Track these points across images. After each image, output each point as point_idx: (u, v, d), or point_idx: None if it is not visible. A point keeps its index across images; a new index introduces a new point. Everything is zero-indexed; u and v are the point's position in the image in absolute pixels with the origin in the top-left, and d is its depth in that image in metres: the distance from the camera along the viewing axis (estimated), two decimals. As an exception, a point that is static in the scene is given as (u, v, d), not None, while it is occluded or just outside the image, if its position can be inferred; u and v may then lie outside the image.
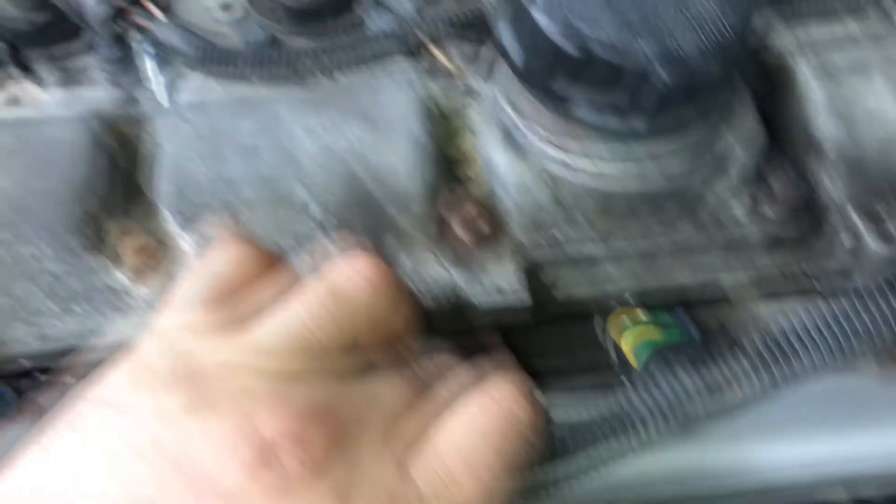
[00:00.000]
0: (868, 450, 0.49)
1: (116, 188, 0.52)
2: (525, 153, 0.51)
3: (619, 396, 0.44)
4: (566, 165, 0.50)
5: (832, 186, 0.55)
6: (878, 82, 0.55)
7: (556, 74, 0.45)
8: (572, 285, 0.55)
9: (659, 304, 0.57)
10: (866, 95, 0.54)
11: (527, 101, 0.50)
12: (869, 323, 0.43)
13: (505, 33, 0.48)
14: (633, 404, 0.44)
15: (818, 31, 0.59)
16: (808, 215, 0.55)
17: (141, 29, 0.57)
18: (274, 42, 0.64)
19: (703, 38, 0.42)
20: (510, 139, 0.52)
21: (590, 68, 0.43)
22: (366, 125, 0.52)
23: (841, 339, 0.46)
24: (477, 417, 0.40)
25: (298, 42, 0.66)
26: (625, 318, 0.54)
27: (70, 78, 0.59)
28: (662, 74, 0.42)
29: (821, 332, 0.47)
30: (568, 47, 0.43)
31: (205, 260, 0.43)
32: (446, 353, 0.50)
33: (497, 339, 0.56)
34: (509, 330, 0.56)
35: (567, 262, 0.54)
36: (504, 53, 0.49)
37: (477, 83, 0.55)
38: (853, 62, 0.55)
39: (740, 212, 0.54)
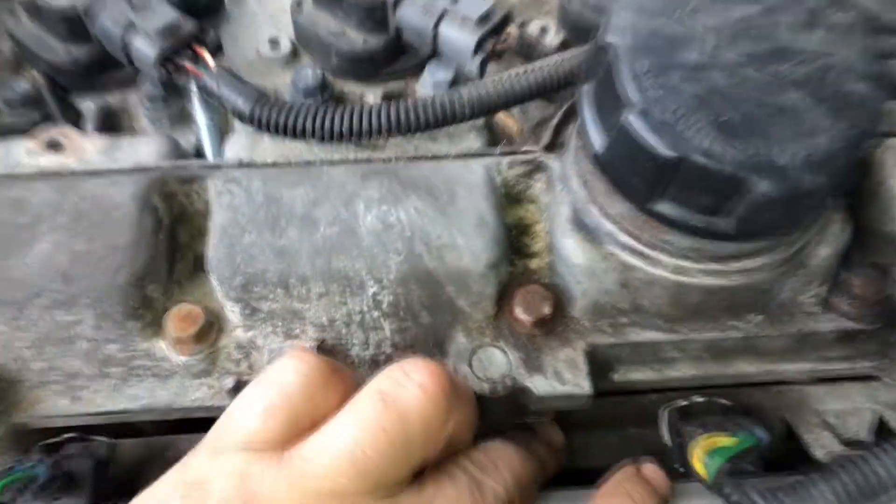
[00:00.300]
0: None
1: (162, 252, 0.50)
2: (594, 235, 0.49)
3: None
4: (639, 254, 0.47)
5: (912, 283, 0.52)
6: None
7: (640, 171, 0.42)
8: (633, 371, 0.53)
9: (721, 395, 0.55)
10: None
11: (601, 184, 0.47)
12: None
13: (589, 117, 0.45)
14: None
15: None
16: (884, 311, 0.52)
17: (192, 76, 0.54)
18: (325, 85, 0.61)
19: (811, 150, 0.39)
20: (579, 219, 0.49)
21: (680, 170, 0.41)
22: (428, 198, 0.49)
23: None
24: None
25: (348, 86, 0.63)
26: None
27: (114, 123, 0.56)
28: (760, 185, 0.39)
29: None
30: (661, 150, 0.40)
31: (269, 373, 0.41)
32: (500, 442, 0.48)
33: (558, 432, 0.54)
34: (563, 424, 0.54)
35: (632, 350, 0.52)
36: (584, 135, 0.46)
37: (546, 156, 0.52)
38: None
39: (815, 306, 0.52)
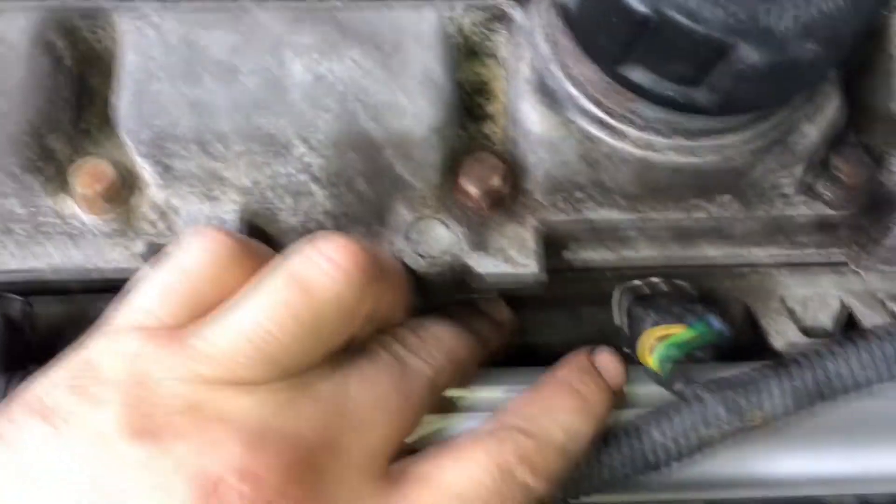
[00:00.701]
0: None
1: (64, 97, 0.43)
2: (559, 103, 0.43)
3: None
4: (606, 126, 0.42)
5: (902, 169, 0.47)
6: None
7: (613, 29, 0.36)
8: (590, 251, 0.49)
9: (682, 277, 0.51)
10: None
11: (570, 45, 0.41)
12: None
13: (555, -38, 0.38)
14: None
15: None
16: (867, 197, 0.48)
17: None
18: None
19: (810, 14, 0.33)
20: (543, 85, 0.43)
21: (658, 31, 0.34)
22: (370, 50, 0.43)
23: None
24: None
25: None
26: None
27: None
28: (748, 52, 0.34)
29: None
30: (635, 3, 0.34)
31: (172, 252, 0.36)
32: (433, 319, 0.45)
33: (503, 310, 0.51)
34: (512, 301, 0.51)
35: (589, 229, 0.47)
36: (551, -14, 0.39)
37: (509, 4, 0.45)
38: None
39: (791, 188, 0.47)
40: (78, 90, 0.45)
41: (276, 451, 0.32)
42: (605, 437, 0.41)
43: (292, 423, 0.33)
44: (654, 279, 0.51)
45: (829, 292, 0.53)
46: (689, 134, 0.41)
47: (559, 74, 0.42)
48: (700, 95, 0.37)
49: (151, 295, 0.35)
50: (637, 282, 0.52)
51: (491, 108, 0.47)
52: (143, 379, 0.32)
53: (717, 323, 0.46)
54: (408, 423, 0.38)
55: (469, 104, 0.47)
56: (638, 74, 0.38)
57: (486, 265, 0.45)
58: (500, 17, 0.45)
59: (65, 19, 0.44)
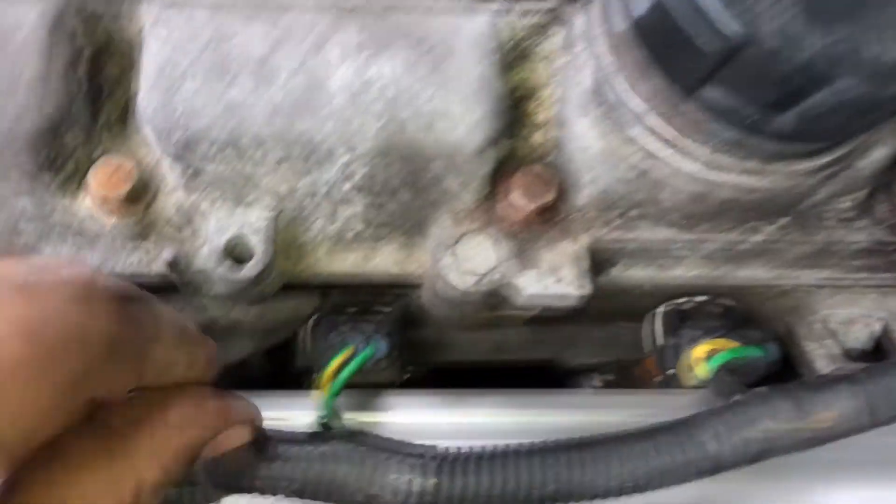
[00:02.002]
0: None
1: (83, 89, 0.40)
2: (622, 119, 0.40)
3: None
4: (673, 145, 0.39)
5: (965, 195, 0.45)
6: None
7: (698, 49, 0.33)
8: (638, 270, 0.47)
9: (725, 296, 0.49)
10: None
11: (639, 59, 0.38)
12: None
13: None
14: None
15: None
16: (925, 221, 0.46)
17: None
18: None
19: (922, 46, 0.31)
20: (601, 92, 0.40)
21: (752, 56, 0.32)
22: (422, 53, 0.40)
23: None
24: None
25: None
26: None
27: None
28: (849, 83, 0.31)
29: None
30: (724, 23, 0.31)
31: None
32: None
33: None
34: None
35: (640, 247, 0.45)
36: (622, -8, 0.36)
37: (568, 7, 0.42)
38: None
39: (853, 212, 0.45)
40: (97, 82, 0.41)
41: None
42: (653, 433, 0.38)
43: None
44: (701, 298, 0.49)
45: (872, 314, 0.51)
46: (763, 158, 0.39)
47: (624, 88, 0.39)
48: (786, 122, 0.34)
49: None
50: (682, 300, 0.50)
51: (540, 117, 0.44)
52: None
53: (768, 344, 0.44)
54: None
55: (517, 111, 0.44)
56: (717, 94, 0.35)
57: (535, 285, 0.42)
58: (556, 20, 0.42)
59: (86, 4, 0.40)
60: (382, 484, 0.32)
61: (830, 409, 0.35)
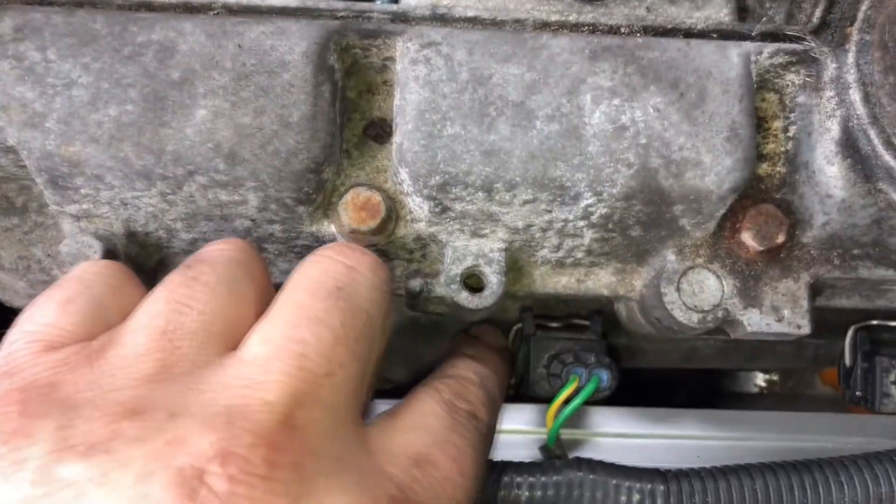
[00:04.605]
0: None
1: (336, 123, 0.41)
2: (866, 167, 0.40)
3: None
4: (920, 199, 0.39)
5: None
6: None
7: None
8: (844, 299, 0.48)
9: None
10: None
11: (893, 107, 0.38)
12: None
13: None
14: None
15: None
16: None
17: None
18: None
19: None
20: (851, 142, 0.40)
21: None
22: (673, 98, 0.40)
23: None
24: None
25: None
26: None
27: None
28: None
29: None
30: None
31: (67, 274, 0.35)
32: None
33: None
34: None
35: (854, 283, 0.46)
36: (889, 28, 0.36)
37: (821, 51, 0.41)
38: None
39: None
40: (343, 109, 0.42)
41: (247, 426, 0.28)
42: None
43: (253, 392, 0.30)
44: (894, 323, 0.50)
45: None
46: None
47: (877, 141, 0.39)
48: None
49: (49, 308, 0.33)
50: (874, 322, 0.51)
51: (768, 148, 0.44)
52: (59, 398, 0.28)
53: None
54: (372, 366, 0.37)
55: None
56: None
57: (758, 323, 0.43)
58: (807, 62, 0.42)
59: (342, 37, 0.40)
60: None
61: None
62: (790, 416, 0.50)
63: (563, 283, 0.46)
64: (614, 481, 0.40)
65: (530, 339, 0.50)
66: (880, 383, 0.48)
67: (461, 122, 0.39)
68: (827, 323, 0.53)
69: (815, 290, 0.46)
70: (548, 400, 0.47)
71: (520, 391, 0.50)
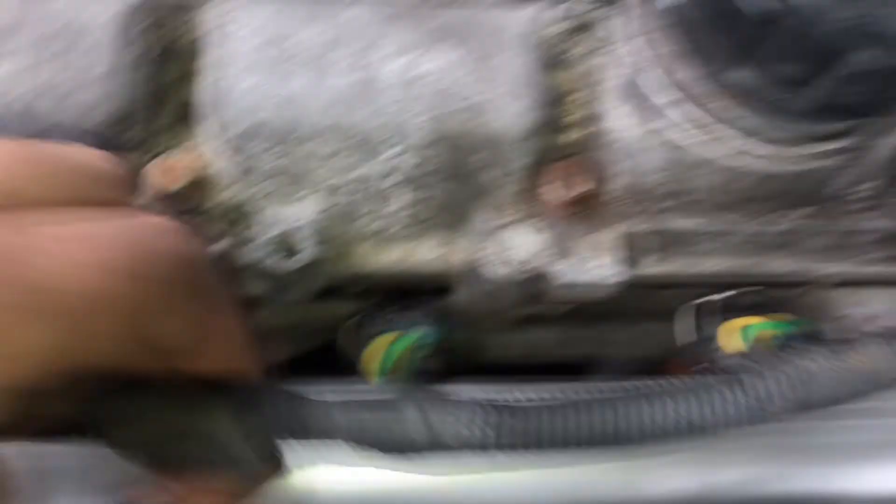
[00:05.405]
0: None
1: (145, 92, 0.42)
2: (653, 110, 0.43)
3: None
4: (704, 133, 0.42)
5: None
6: None
7: (731, 27, 0.36)
8: (667, 264, 0.49)
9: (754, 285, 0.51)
10: None
11: (673, 50, 0.41)
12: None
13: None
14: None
15: None
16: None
17: None
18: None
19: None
20: (634, 86, 0.43)
21: (780, 28, 0.35)
22: (466, 48, 0.43)
23: None
24: None
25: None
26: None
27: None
28: (868, 54, 0.34)
29: None
30: (750, 4, 0.34)
31: None
32: None
33: None
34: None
35: (670, 239, 0.47)
36: (653, -15, 0.39)
37: (600, 9, 0.45)
38: None
39: (873, 200, 0.47)
40: (160, 81, 0.44)
41: None
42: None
43: None
44: (730, 293, 0.51)
45: (881, 310, 0.53)
46: (788, 142, 0.41)
47: (655, 81, 0.42)
48: (811, 99, 0.37)
49: None
50: (714, 297, 0.51)
51: (577, 115, 0.47)
52: None
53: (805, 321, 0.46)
54: None
55: (554, 111, 0.46)
56: (748, 77, 0.38)
57: (571, 273, 0.44)
58: (587, 25, 0.45)
59: (152, 11, 0.42)
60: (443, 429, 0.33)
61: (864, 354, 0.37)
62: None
63: (393, 257, 0.46)
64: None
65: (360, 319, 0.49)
66: (719, 337, 0.48)
67: (260, 75, 0.41)
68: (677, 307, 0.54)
69: (639, 248, 0.47)
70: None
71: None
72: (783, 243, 0.49)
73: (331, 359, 0.52)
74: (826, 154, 0.42)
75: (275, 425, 0.33)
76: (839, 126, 0.41)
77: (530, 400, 0.35)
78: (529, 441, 0.33)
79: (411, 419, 0.33)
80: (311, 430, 0.33)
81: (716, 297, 0.50)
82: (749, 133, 0.41)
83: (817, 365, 0.35)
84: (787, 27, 0.34)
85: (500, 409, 0.34)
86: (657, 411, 0.34)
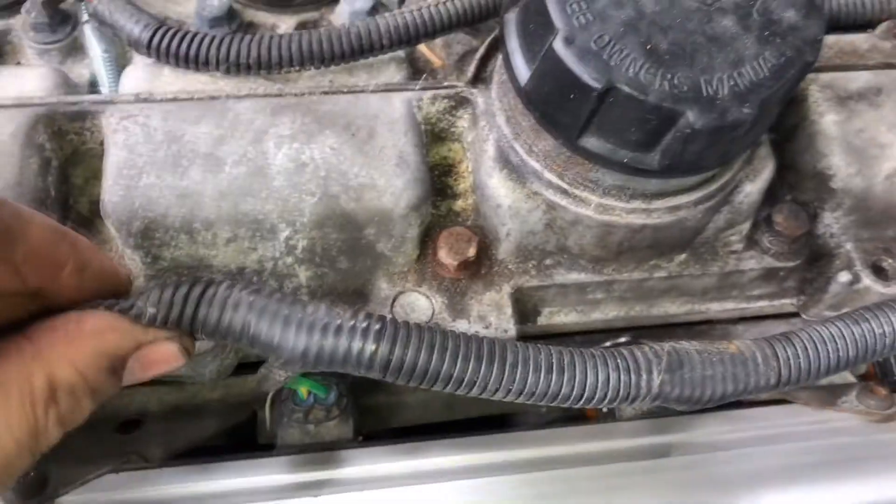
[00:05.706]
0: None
1: (52, 196, 0.45)
2: (523, 177, 0.46)
3: None
4: (568, 195, 0.46)
5: (834, 221, 0.52)
6: (889, 110, 0.52)
7: (572, 105, 0.40)
8: (562, 316, 0.52)
9: (646, 336, 0.54)
10: (878, 126, 0.51)
11: (530, 124, 0.45)
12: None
13: (514, 46, 0.43)
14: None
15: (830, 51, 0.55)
16: (804, 247, 0.52)
17: (82, 1, 0.49)
18: (232, 14, 0.56)
19: (738, 80, 0.38)
20: (504, 157, 0.47)
21: (613, 104, 0.39)
22: (344, 134, 0.46)
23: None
24: None
25: (259, 15, 0.59)
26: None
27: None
28: (694, 118, 0.38)
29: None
30: (587, 79, 0.38)
31: None
32: None
33: None
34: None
35: (559, 293, 0.50)
36: (509, 69, 0.44)
37: (470, 91, 0.49)
38: (866, 87, 0.52)
39: (740, 245, 0.51)
40: (64, 189, 0.47)
41: None
42: None
43: None
44: (623, 339, 0.54)
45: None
46: (645, 197, 0.45)
47: (522, 151, 0.46)
48: (653, 159, 0.41)
49: None
50: (607, 344, 0.54)
51: (460, 188, 0.51)
52: None
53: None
54: None
55: (439, 185, 0.50)
56: (596, 144, 0.42)
57: (467, 331, 0.47)
58: (463, 103, 0.49)
59: (52, 120, 0.46)
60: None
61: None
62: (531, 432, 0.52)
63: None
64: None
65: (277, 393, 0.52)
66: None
67: (156, 173, 0.44)
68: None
69: (529, 305, 0.50)
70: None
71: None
72: (665, 290, 0.52)
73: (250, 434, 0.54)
74: (681, 206, 0.46)
75: None
76: (688, 181, 0.45)
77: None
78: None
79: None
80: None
81: (607, 344, 0.53)
82: (608, 193, 0.45)
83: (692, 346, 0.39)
84: (620, 101, 0.38)
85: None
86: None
